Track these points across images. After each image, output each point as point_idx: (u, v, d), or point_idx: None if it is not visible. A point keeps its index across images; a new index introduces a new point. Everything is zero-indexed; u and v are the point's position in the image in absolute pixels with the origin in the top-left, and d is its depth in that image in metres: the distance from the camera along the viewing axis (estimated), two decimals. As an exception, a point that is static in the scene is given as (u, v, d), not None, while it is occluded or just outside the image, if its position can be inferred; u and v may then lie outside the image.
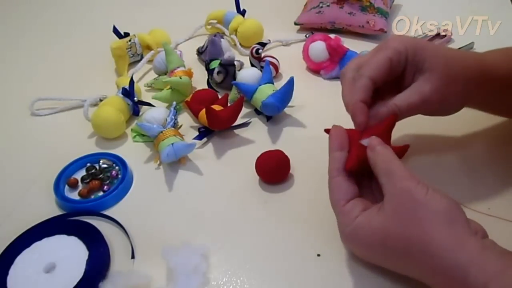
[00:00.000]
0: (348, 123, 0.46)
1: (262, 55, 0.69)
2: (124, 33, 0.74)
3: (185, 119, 0.63)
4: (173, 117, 0.58)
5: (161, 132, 0.55)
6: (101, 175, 0.54)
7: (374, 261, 0.40)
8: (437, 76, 0.43)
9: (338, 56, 0.67)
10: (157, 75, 0.71)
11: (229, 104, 0.61)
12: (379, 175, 0.39)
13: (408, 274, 0.37)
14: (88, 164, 0.56)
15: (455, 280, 0.33)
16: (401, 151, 0.44)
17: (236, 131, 0.60)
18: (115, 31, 0.73)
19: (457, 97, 0.45)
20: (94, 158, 0.56)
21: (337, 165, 0.41)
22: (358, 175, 0.42)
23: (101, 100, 0.66)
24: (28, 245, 0.46)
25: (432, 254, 0.34)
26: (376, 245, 0.37)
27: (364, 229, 0.37)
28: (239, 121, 0.59)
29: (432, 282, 0.35)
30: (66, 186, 0.54)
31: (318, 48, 0.69)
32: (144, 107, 0.65)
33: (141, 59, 0.73)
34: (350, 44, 0.70)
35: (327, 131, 0.45)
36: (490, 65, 0.46)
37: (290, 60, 0.73)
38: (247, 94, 0.61)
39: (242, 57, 0.75)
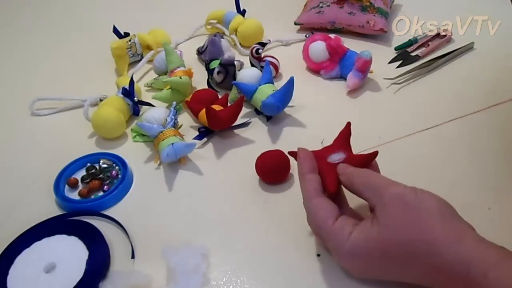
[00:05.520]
0: (346, 123, 0.46)
1: (262, 55, 0.69)
2: (124, 33, 0.74)
3: (185, 119, 0.63)
4: (173, 117, 0.58)
5: (161, 132, 0.55)
6: (101, 175, 0.54)
7: (375, 276, 0.39)
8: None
9: (338, 56, 0.67)
10: (157, 75, 0.71)
11: (229, 104, 0.61)
12: (362, 191, 0.39)
13: (410, 279, 0.37)
14: (88, 164, 0.56)
15: (458, 275, 0.33)
16: (369, 158, 0.43)
17: (236, 131, 0.60)
18: (115, 31, 0.73)
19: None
20: (94, 158, 0.56)
21: (314, 186, 0.41)
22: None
23: (101, 100, 0.66)
24: (28, 245, 0.46)
25: (435, 252, 0.34)
26: (378, 257, 0.36)
27: (362, 243, 0.37)
28: (239, 121, 0.59)
29: (434, 283, 0.35)
30: (66, 186, 0.54)
31: (318, 48, 0.69)
32: (144, 107, 0.65)
33: (141, 59, 0.73)
34: (350, 44, 0.70)
35: (291, 153, 0.46)
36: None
37: (290, 60, 0.73)
38: (247, 94, 0.61)
39: (242, 57, 0.75)
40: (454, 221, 0.35)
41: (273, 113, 0.61)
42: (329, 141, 0.46)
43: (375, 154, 0.43)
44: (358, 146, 0.49)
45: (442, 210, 0.35)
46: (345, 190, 0.44)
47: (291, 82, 0.58)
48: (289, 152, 0.46)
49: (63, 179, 0.54)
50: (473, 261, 0.32)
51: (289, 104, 0.61)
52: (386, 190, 0.37)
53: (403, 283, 0.38)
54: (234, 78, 0.65)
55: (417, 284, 0.37)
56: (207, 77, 0.69)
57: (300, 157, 0.43)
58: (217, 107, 0.59)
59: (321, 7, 0.80)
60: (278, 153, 0.52)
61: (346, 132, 0.45)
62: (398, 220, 0.35)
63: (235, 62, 0.66)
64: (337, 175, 0.42)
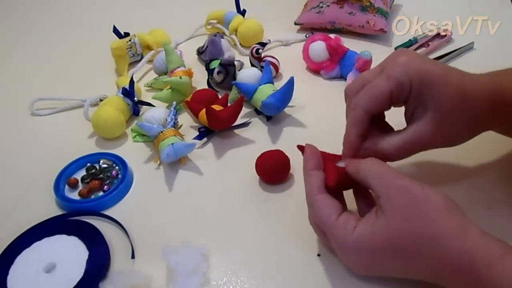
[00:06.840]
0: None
1: (262, 55, 0.69)
2: (124, 33, 0.74)
3: (185, 119, 0.63)
4: (173, 117, 0.58)
5: (161, 132, 0.55)
6: (101, 175, 0.54)
7: (378, 272, 0.39)
8: (441, 118, 0.40)
9: (338, 56, 0.67)
10: (157, 75, 0.71)
11: (229, 104, 0.61)
12: (369, 179, 0.38)
13: (414, 274, 0.37)
14: (88, 164, 0.56)
15: (462, 266, 0.33)
16: None
17: (236, 131, 0.60)
18: (115, 31, 0.73)
19: (464, 134, 0.44)
20: (94, 158, 0.56)
21: (318, 182, 0.41)
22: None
23: (101, 100, 0.66)
24: (28, 245, 0.46)
25: (440, 244, 0.34)
26: (383, 250, 0.36)
27: (367, 236, 0.37)
28: (239, 121, 0.59)
29: (438, 276, 0.35)
30: (66, 186, 0.54)
31: (318, 48, 0.69)
32: (144, 107, 0.65)
33: (141, 59, 0.73)
34: (350, 44, 0.70)
35: (299, 147, 0.45)
36: (509, 92, 0.42)
37: (290, 60, 0.73)
38: (247, 94, 0.61)
39: (242, 57, 0.75)
40: (458, 215, 0.35)
41: (273, 113, 0.61)
42: (328, 141, 0.46)
43: None
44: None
45: (447, 205, 0.36)
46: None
47: (291, 82, 0.58)
48: (297, 146, 0.45)
49: (63, 179, 0.54)
50: (478, 252, 0.33)
51: (289, 104, 0.61)
52: (393, 182, 0.37)
53: (404, 281, 0.38)
54: (234, 78, 0.65)
55: (420, 280, 0.37)
56: (207, 77, 0.69)
57: (307, 153, 0.43)
58: (217, 107, 0.59)
59: (321, 7, 0.80)
60: (278, 153, 0.52)
61: None
62: (404, 212, 0.35)
63: (235, 62, 0.66)
64: (339, 174, 0.41)
